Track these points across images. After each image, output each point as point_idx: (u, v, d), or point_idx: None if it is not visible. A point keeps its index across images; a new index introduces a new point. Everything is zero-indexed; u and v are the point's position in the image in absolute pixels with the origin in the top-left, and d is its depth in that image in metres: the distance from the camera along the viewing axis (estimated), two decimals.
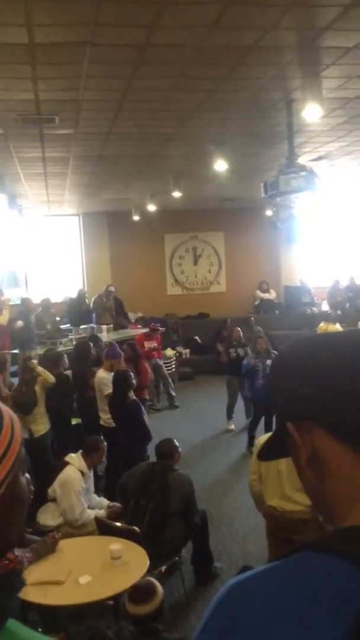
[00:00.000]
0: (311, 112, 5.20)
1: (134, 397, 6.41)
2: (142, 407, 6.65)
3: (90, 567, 3.92)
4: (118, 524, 4.54)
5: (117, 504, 5.05)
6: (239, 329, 9.44)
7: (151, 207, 12.58)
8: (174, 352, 12.81)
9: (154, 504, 4.57)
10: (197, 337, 13.90)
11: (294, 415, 0.85)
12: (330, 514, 0.83)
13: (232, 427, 9.03)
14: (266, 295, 14.93)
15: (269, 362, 7.54)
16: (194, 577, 4.89)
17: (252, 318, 13.12)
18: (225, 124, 6.50)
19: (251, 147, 7.69)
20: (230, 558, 5.27)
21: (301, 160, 7.69)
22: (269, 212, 12.44)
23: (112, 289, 13.25)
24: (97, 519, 4.66)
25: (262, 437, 4.14)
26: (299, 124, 6.17)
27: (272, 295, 15.00)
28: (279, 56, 4.50)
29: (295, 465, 0.87)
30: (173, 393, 10.79)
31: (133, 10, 3.56)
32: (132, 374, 6.41)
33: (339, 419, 0.80)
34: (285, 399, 0.88)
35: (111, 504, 5.13)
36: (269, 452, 0.97)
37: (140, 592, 3.30)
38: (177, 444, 5.00)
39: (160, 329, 11.06)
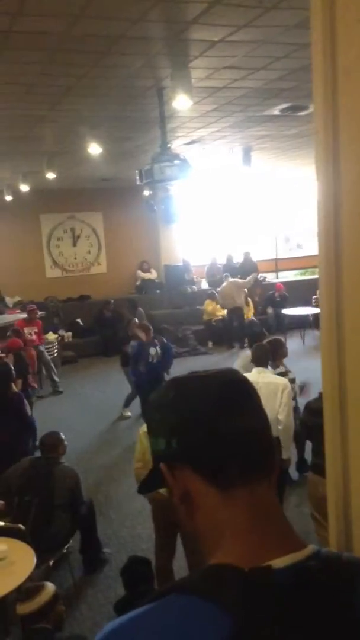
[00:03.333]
0: (181, 101, 5.27)
1: (16, 389, 6.26)
2: (25, 399, 6.51)
3: None
4: (1, 523, 4.45)
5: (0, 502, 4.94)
6: (136, 320, 9.43)
7: (24, 187, 12.13)
8: (56, 336, 12.59)
9: (38, 498, 4.53)
10: (79, 320, 13.75)
11: (166, 457, 0.90)
12: (202, 549, 0.89)
13: (129, 413, 8.80)
14: (147, 275, 15.05)
15: (152, 349, 7.58)
16: (83, 566, 4.95)
17: (134, 300, 13.21)
18: (97, 109, 6.41)
19: (125, 131, 7.65)
20: (119, 542, 5.39)
21: (175, 144, 7.82)
22: (146, 193, 12.53)
23: None
24: None
25: (143, 427, 4.24)
26: (170, 110, 6.23)
27: (153, 274, 15.16)
28: (147, 47, 4.50)
29: (171, 501, 0.93)
30: (56, 378, 10.63)
31: None
32: (11, 366, 6.24)
33: (205, 462, 0.86)
34: (158, 441, 0.93)
35: None
36: (147, 487, 1.01)
37: (26, 590, 3.32)
38: (62, 436, 4.97)
39: (39, 312, 10.80)
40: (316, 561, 0.82)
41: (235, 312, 13.12)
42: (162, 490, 0.97)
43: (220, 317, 13.51)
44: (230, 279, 13.59)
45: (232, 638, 0.73)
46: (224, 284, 13.60)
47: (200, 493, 0.87)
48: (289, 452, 5.02)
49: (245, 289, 13.73)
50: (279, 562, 0.80)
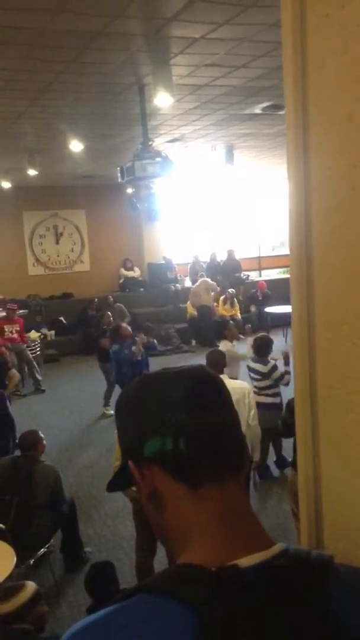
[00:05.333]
0: (162, 98, 5.26)
1: None
2: (6, 397, 6.47)
3: None
4: None
5: None
6: (109, 313, 9.39)
7: (6, 184, 12.05)
8: (39, 334, 12.51)
9: (19, 498, 4.50)
10: (62, 318, 13.67)
11: (134, 454, 0.89)
12: (171, 549, 0.88)
13: (111, 412, 8.80)
14: (130, 273, 15.01)
15: (134, 348, 7.58)
16: (64, 565, 4.92)
17: (111, 297, 13.19)
18: (78, 105, 6.36)
19: (107, 128, 7.61)
20: (101, 541, 5.37)
21: (157, 141, 7.80)
22: (129, 191, 12.49)
23: None
24: None
25: None
26: (152, 107, 6.21)
27: (136, 272, 15.12)
28: (127, 43, 4.47)
29: (140, 499, 0.91)
30: (39, 377, 10.56)
31: None
32: None
33: (172, 459, 0.85)
34: (127, 438, 0.92)
35: None
36: (116, 485, 1.01)
37: (6, 590, 3.28)
38: (41, 435, 4.94)
39: (17, 309, 10.69)
40: (284, 560, 0.81)
41: (202, 310, 13.15)
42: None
43: (193, 315, 13.53)
44: (204, 278, 13.62)
45: (198, 638, 0.72)
46: (198, 282, 13.64)
47: (167, 491, 0.86)
48: (258, 453, 5.08)
49: (232, 290, 13.74)
50: (246, 561, 0.78)
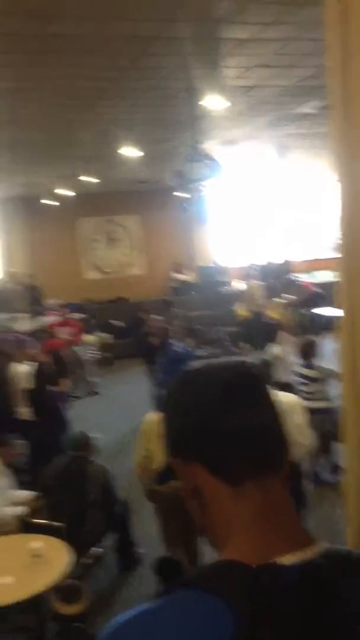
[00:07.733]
0: (213, 101, 5.28)
1: (52, 389, 6.38)
2: (62, 399, 6.62)
3: (10, 567, 3.89)
4: (39, 520, 4.52)
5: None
6: (154, 317, 9.41)
7: (63, 191, 12.34)
8: (94, 337, 12.73)
9: (72, 498, 4.58)
10: (116, 321, 13.86)
11: (176, 450, 0.90)
12: (213, 544, 0.89)
13: None
14: (182, 277, 15.08)
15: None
16: (118, 565, 4.98)
17: (168, 298, 13.25)
18: (132, 111, 6.47)
19: (161, 133, 7.69)
20: (153, 541, 5.39)
21: (208, 145, 7.82)
22: (180, 194, 12.56)
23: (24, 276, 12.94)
24: (17, 517, 4.62)
25: (148, 415, 4.37)
26: (203, 110, 6.23)
27: (187, 276, 15.17)
28: (179, 46, 4.50)
29: (183, 495, 0.92)
30: (92, 379, 10.74)
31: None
32: (49, 367, 6.35)
33: (213, 456, 0.85)
34: (170, 434, 0.93)
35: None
36: (164, 479, 1.02)
37: (69, 592, 3.35)
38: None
39: (73, 314, 10.91)
40: (325, 559, 0.80)
41: (255, 314, 13.00)
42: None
43: (247, 317, 13.37)
44: (256, 282, 13.45)
45: (235, 635, 0.72)
46: (249, 284, 13.48)
47: (209, 488, 0.86)
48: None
49: (291, 296, 13.52)
50: (287, 560, 0.78)
